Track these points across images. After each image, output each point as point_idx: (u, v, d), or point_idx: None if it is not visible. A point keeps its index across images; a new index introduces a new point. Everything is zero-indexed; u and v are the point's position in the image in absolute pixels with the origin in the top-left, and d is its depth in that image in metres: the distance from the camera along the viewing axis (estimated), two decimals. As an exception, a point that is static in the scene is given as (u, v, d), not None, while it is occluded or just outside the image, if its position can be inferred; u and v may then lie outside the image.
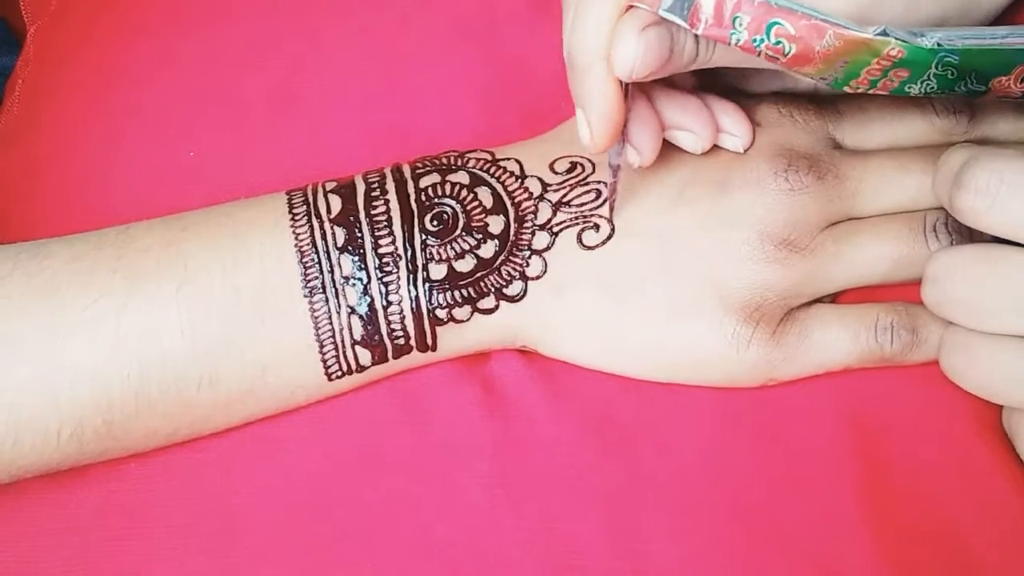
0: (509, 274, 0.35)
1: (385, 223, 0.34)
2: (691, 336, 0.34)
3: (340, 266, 0.34)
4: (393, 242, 0.34)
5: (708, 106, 0.35)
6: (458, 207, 0.35)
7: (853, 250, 0.35)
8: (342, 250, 0.34)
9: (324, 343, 0.34)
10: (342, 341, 0.34)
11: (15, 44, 0.54)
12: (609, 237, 0.35)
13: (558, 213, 0.35)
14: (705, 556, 0.33)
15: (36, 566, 0.35)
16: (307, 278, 0.34)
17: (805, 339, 0.34)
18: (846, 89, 0.32)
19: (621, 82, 0.31)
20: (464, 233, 0.35)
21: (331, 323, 0.34)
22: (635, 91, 0.34)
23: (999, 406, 0.34)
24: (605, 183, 0.35)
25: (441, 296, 0.34)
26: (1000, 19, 0.35)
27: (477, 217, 0.35)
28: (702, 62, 0.32)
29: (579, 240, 0.35)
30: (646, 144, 0.34)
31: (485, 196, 0.35)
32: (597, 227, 0.35)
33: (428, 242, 0.34)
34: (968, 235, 0.35)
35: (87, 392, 0.33)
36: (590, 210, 0.35)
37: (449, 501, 0.34)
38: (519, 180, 0.36)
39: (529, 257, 0.35)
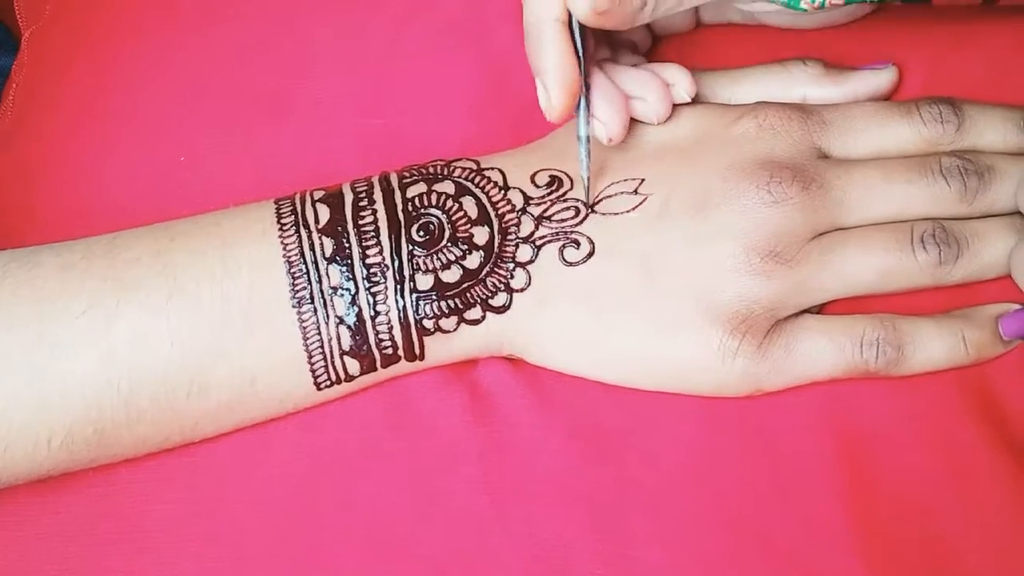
0: (494, 285, 0.35)
1: (373, 233, 0.35)
2: (677, 349, 0.34)
3: (328, 276, 0.34)
4: (380, 252, 0.34)
5: (656, 75, 0.36)
6: (443, 217, 0.35)
7: (840, 260, 0.35)
8: (330, 260, 0.34)
9: (313, 353, 0.34)
10: (330, 351, 0.34)
11: (14, 45, 0.54)
12: (590, 254, 0.35)
13: (540, 227, 0.35)
14: (690, 562, 0.33)
15: (27, 572, 0.35)
16: (295, 288, 0.34)
17: (791, 351, 0.34)
18: (803, 5, 0.33)
19: (575, 48, 0.34)
20: (450, 244, 0.35)
21: (319, 333, 0.34)
22: (593, 67, 0.36)
23: (986, 410, 0.34)
24: (583, 202, 0.36)
25: (428, 306, 0.34)
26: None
27: (462, 228, 0.35)
28: (651, 9, 0.34)
29: (560, 256, 0.35)
30: (612, 116, 0.35)
31: (470, 206, 0.35)
32: (577, 244, 0.35)
33: (415, 252, 0.35)
34: (956, 246, 0.35)
35: (77, 401, 0.33)
36: (571, 227, 0.35)
37: (436, 507, 0.35)
38: (502, 191, 0.36)
39: (513, 269, 0.35)
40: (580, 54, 0.34)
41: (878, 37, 0.40)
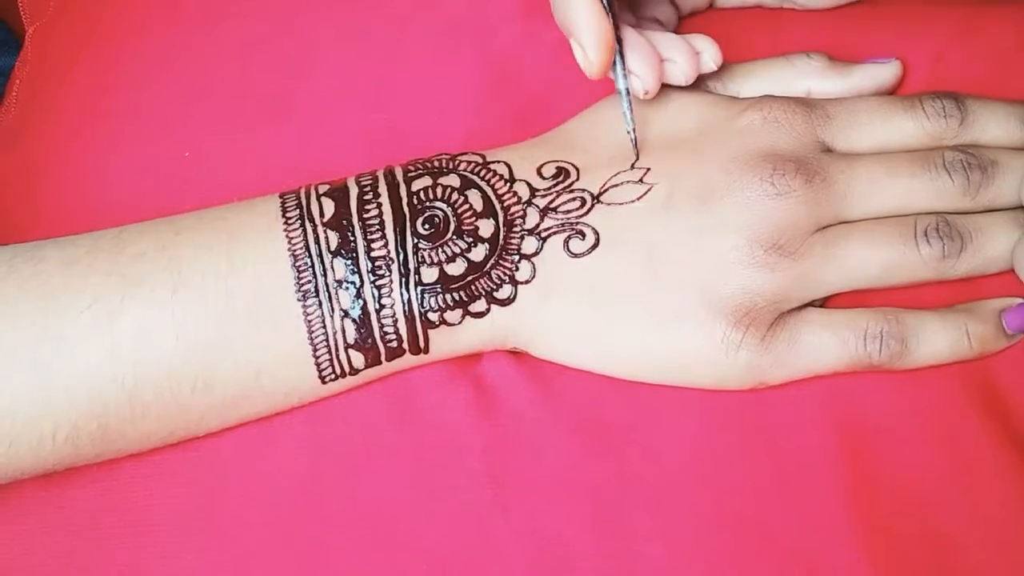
0: (499, 278, 0.35)
1: (377, 227, 0.35)
2: (681, 341, 0.34)
3: (333, 270, 0.34)
4: (385, 246, 0.35)
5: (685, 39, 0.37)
6: (449, 210, 0.35)
7: (843, 254, 0.35)
8: (335, 254, 0.34)
9: (317, 346, 0.34)
10: (335, 344, 0.34)
11: (15, 44, 0.54)
12: (595, 246, 0.35)
13: (545, 219, 0.35)
14: (693, 556, 0.33)
15: (31, 565, 0.35)
16: (300, 282, 0.34)
17: (794, 344, 0.34)
18: None
19: (603, 6, 0.34)
20: (455, 236, 0.35)
21: (324, 327, 0.34)
22: (623, 24, 0.36)
23: (990, 404, 0.35)
24: (590, 192, 0.36)
25: (433, 299, 0.34)
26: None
27: (468, 220, 0.35)
28: None
29: (566, 247, 0.35)
30: (646, 69, 0.36)
31: (475, 199, 0.35)
32: (583, 235, 0.35)
33: (420, 245, 0.35)
34: (959, 240, 0.35)
35: (82, 396, 0.33)
36: (576, 218, 0.35)
37: (439, 501, 0.35)
38: (508, 184, 0.36)
39: (518, 261, 0.35)
40: (608, 11, 0.35)
41: (882, 31, 0.40)
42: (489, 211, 0.35)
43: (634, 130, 0.36)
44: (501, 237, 0.35)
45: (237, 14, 0.44)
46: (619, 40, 0.36)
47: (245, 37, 0.43)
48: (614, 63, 0.36)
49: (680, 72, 0.36)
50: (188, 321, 0.33)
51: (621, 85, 0.36)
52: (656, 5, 0.40)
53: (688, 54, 0.36)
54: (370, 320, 0.34)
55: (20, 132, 0.44)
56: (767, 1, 0.41)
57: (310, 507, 0.35)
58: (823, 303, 0.36)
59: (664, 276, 0.34)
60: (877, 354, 0.34)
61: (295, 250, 0.34)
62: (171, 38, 0.44)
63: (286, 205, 0.35)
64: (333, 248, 0.34)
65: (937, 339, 0.35)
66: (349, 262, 0.34)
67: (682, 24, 0.42)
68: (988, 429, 0.34)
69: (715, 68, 0.37)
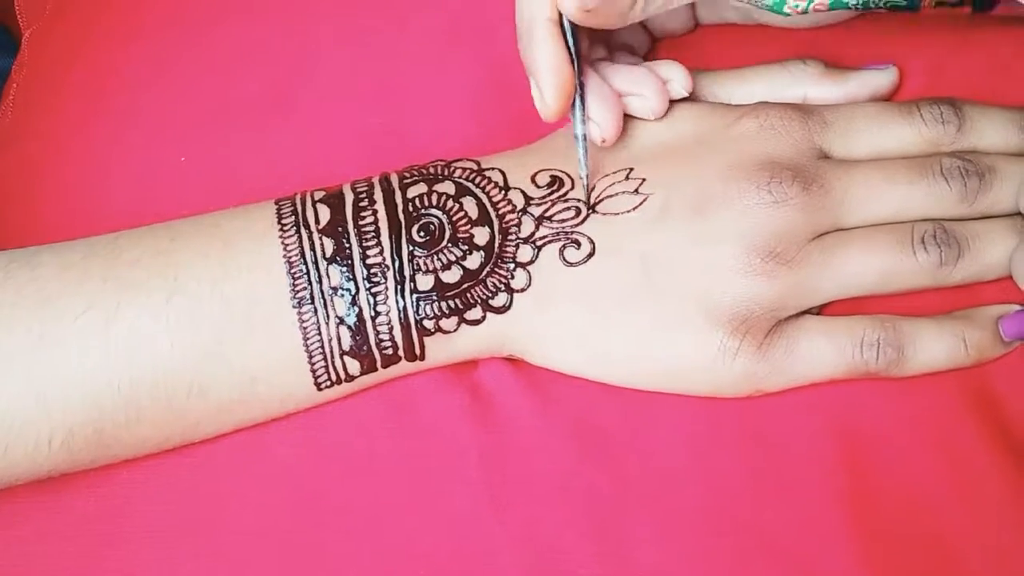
0: (495, 285, 0.35)
1: (373, 234, 0.35)
2: (678, 349, 0.34)
3: (328, 276, 0.34)
4: (381, 253, 0.34)
5: (652, 71, 0.37)
6: (444, 218, 0.35)
7: (841, 261, 0.35)
8: (330, 260, 0.34)
9: (313, 353, 0.34)
10: (331, 351, 0.34)
11: (12, 47, 0.54)
12: (591, 255, 0.35)
13: (540, 227, 0.35)
14: (690, 563, 0.33)
15: (26, 572, 0.35)
16: (295, 288, 0.34)
17: (791, 352, 0.34)
18: (786, 9, 0.34)
19: (567, 47, 0.34)
20: (450, 244, 0.35)
21: (320, 333, 0.34)
22: (587, 67, 0.36)
23: (987, 411, 0.34)
24: (584, 202, 0.36)
25: (428, 307, 0.34)
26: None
27: (463, 228, 0.35)
28: (641, 7, 0.34)
29: (561, 256, 0.35)
30: (606, 117, 0.35)
31: (470, 206, 0.35)
32: (578, 244, 0.35)
33: (415, 253, 0.35)
34: (957, 247, 0.35)
35: (78, 401, 0.33)
36: (571, 227, 0.35)
37: (436, 508, 0.35)
38: (503, 191, 0.36)
39: (514, 270, 0.35)
40: (573, 53, 0.34)
41: (879, 38, 0.40)
42: (484, 219, 0.35)
43: (587, 176, 0.36)
44: (496, 245, 0.35)
45: (235, 16, 0.44)
46: (581, 85, 0.35)
47: (243, 39, 0.44)
48: (573, 106, 0.35)
49: (647, 107, 0.36)
50: (183, 327, 0.33)
51: (579, 131, 0.35)
52: (628, 32, 0.40)
53: (655, 88, 0.36)
54: (366, 327, 0.34)
55: (17, 135, 0.44)
56: (740, 20, 0.41)
57: (306, 514, 0.35)
58: (820, 310, 0.36)
59: (661, 285, 0.34)
60: (874, 362, 0.34)
61: (290, 257, 0.34)
62: (168, 40, 0.44)
63: (282, 212, 0.35)
64: (328, 255, 0.34)
65: (934, 346, 0.35)
66: (344, 269, 0.34)
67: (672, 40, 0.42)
68: (985, 435, 0.34)
69: (686, 94, 0.37)
